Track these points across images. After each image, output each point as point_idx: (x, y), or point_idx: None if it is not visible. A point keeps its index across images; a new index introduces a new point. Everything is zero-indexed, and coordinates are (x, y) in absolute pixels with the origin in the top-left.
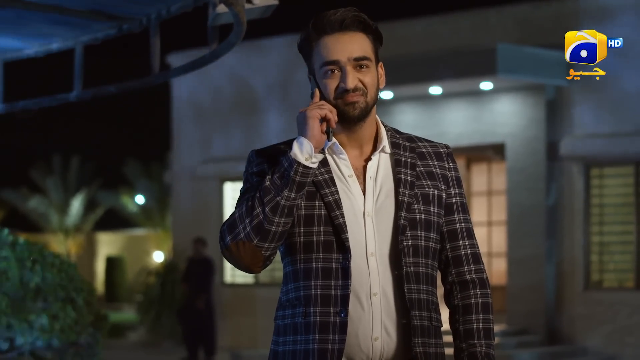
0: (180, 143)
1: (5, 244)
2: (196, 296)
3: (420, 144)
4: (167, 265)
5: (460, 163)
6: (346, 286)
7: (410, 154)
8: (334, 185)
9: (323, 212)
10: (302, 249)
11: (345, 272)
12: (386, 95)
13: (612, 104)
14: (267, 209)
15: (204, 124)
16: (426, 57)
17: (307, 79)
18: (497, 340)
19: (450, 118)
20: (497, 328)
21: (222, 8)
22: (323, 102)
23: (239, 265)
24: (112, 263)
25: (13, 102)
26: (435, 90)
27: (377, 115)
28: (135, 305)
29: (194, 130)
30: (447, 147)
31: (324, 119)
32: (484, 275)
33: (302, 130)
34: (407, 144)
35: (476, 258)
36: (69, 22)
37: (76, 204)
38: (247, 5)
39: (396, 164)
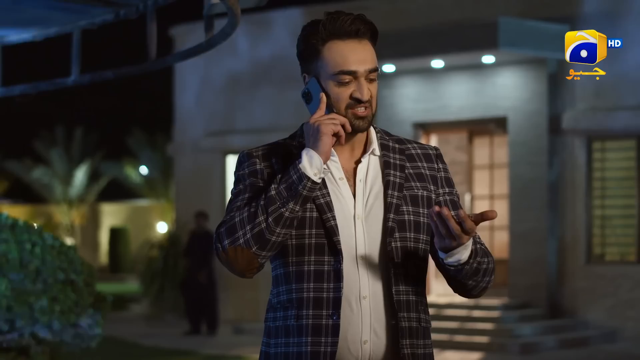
0: (182, 115)
1: (5, 227)
2: (198, 270)
3: (409, 146)
4: (170, 238)
5: (463, 136)
6: (338, 289)
7: (400, 155)
8: (325, 187)
9: (315, 214)
10: (294, 251)
11: (337, 275)
12: (388, 68)
13: (614, 77)
14: (270, 219)
15: (206, 96)
16: (428, 30)
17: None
18: (498, 313)
19: (452, 91)
20: (499, 301)
21: None
22: (335, 115)
23: (232, 269)
24: (116, 234)
25: (11, 86)
26: (437, 63)
27: None
28: (139, 278)
29: (197, 103)
30: (436, 149)
31: (334, 134)
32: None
33: (314, 145)
34: (397, 145)
35: (478, 249)
36: (66, 7)
37: (80, 175)
38: None
39: (385, 166)
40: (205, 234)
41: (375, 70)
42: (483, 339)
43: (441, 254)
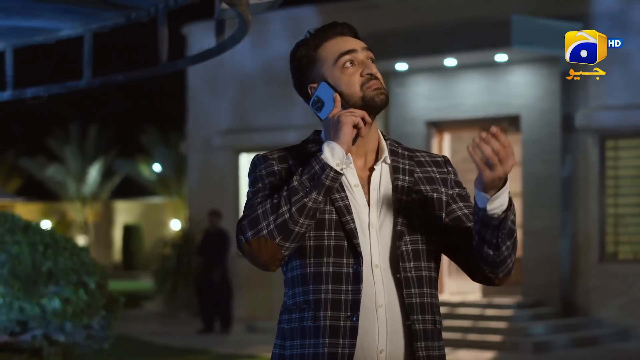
0: (195, 113)
1: (18, 228)
2: (212, 268)
3: (418, 154)
4: (183, 236)
5: (475, 134)
6: (357, 291)
7: (409, 161)
8: (344, 190)
9: (334, 216)
10: (312, 252)
11: (357, 277)
12: (401, 67)
13: (627, 75)
14: (293, 209)
15: (220, 94)
16: (441, 28)
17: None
18: (511, 312)
19: (465, 90)
20: (511, 300)
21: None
22: (353, 109)
23: (256, 261)
24: (130, 231)
25: (23, 88)
26: (450, 62)
27: (378, 129)
28: (152, 276)
29: (210, 101)
30: (444, 157)
31: (355, 126)
32: None
33: (335, 135)
34: (406, 152)
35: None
36: (78, 11)
37: (93, 172)
38: (252, 0)
39: (394, 171)
40: (219, 233)
41: (371, 50)
42: (496, 338)
43: (482, 203)
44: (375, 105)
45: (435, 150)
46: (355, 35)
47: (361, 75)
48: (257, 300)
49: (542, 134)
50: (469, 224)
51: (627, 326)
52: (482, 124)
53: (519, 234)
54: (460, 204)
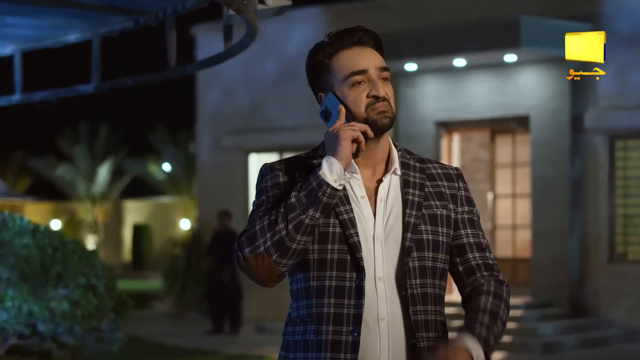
0: (205, 113)
1: (26, 232)
2: (221, 269)
3: (430, 165)
4: (193, 236)
5: (485, 135)
6: (359, 305)
7: (420, 174)
8: (349, 203)
9: (338, 230)
10: (316, 266)
11: (359, 292)
12: (410, 67)
13: (637, 76)
14: (290, 226)
15: (229, 94)
16: (450, 29)
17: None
18: (520, 312)
19: (474, 90)
20: (521, 300)
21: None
22: (355, 123)
23: (254, 278)
24: (139, 231)
25: (31, 92)
26: (459, 62)
27: (390, 138)
28: (162, 276)
29: (219, 101)
30: (457, 169)
31: (354, 141)
32: (501, 277)
33: (333, 150)
34: (417, 164)
35: (489, 267)
36: (86, 15)
37: (103, 172)
38: (260, 6)
39: (404, 184)
40: (228, 233)
41: (386, 69)
42: (505, 338)
43: None
44: (377, 128)
45: (444, 150)
46: (377, 44)
47: (367, 96)
48: (267, 301)
49: (551, 134)
50: (471, 255)
51: (636, 327)
52: (492, 124)
53: (527, 234)
54: (469, 231)
